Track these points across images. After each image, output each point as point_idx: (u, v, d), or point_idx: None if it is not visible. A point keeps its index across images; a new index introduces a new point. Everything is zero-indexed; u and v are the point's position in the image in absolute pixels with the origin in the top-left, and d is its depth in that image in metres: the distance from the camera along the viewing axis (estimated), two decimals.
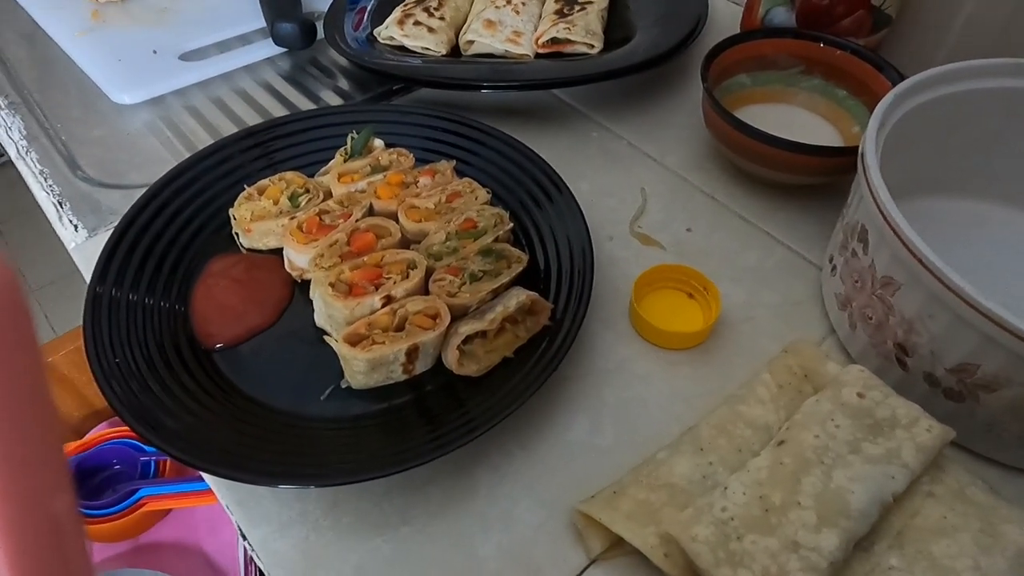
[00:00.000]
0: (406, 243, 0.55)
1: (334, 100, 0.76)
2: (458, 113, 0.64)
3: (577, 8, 0.77)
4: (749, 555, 0.38)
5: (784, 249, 0.61)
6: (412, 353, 0.48)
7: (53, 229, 0.64)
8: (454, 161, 0.61)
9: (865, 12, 0.67)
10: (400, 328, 0.49)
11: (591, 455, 0.48)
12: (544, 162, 0.60)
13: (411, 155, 0.61)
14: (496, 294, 0.52)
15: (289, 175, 0.59)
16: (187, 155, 0.62)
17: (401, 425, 0.47)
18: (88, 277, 0.53)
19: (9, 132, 0.71)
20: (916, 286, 0.43)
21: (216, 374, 0.50)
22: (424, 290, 0.52)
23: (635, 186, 0.66)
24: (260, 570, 0.44)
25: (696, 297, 0.56)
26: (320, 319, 0.53)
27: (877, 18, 0.68)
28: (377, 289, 0.50)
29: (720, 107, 0.61)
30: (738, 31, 0.72)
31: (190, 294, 0.55)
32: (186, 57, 0.79)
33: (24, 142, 0.70)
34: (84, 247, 0.61)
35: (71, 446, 0.96)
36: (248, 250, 0.58)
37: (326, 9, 0.81)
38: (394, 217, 0.56)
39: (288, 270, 0.56)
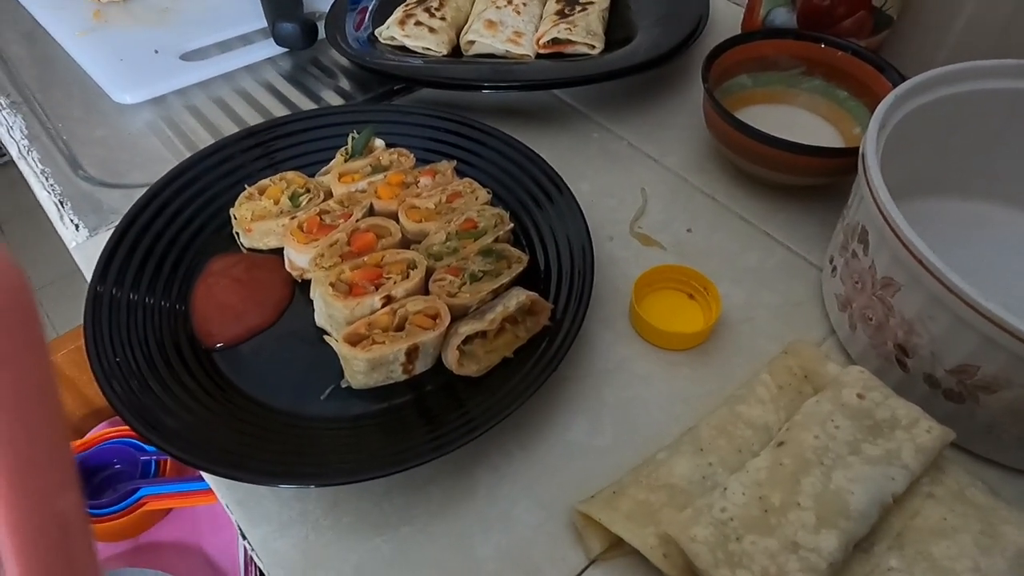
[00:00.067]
0: (406, 243, 0.55)
1: (335, 100, 0.76)
2: (459, 113, 0.64)
3: (578, 8, 0.77)
4: (748, 556, 0.38)
5: (784, 250, 0.61)
6: (412, 353, 0.48)
7: (54, 228, 0.64)
8: (455, 161, 0.61)
9: (866, 13, 0.67)
10: (400, 328, 0.49)
11: (591, 455, 0.48)
12: (545, 162, 0.60)
13: (412, 155, 0.61)
14: (496, 294, 0.52)
15: (290, 175, 0.59)
16: (188, 155, 0.62)
17: (401, 425, 0.47)
18: (89, 276, 0.53)
19: (11, 131, 0.71)
20: (916, 287, 0.43)
21: (216, 373, 0.50)
22: (424, 290, 0.52)
23: (635, 186, 0.66)
24: (260, 570, 0.44)
25: (696, 298, 0.56)
26: (320, 319, 0.53)
27: (878, 19, 0.68)
28: (377, 289, 0.50)
29: (721, 108, 0.61)
30: (739, 32, 0.73)
31: (190, 293, 0.55)
32: (187, 57, 0.79)
33: (26, 141, 0.70)
34: (85, 246, 0.61)
35: (72, 445, 0.96)
36: (248, 250, 0.58)
37: (327, 9, 0.81)
38: (394, 217, 0.56)
39: (288, 270, 0.56)
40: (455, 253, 0.53)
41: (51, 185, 0.66)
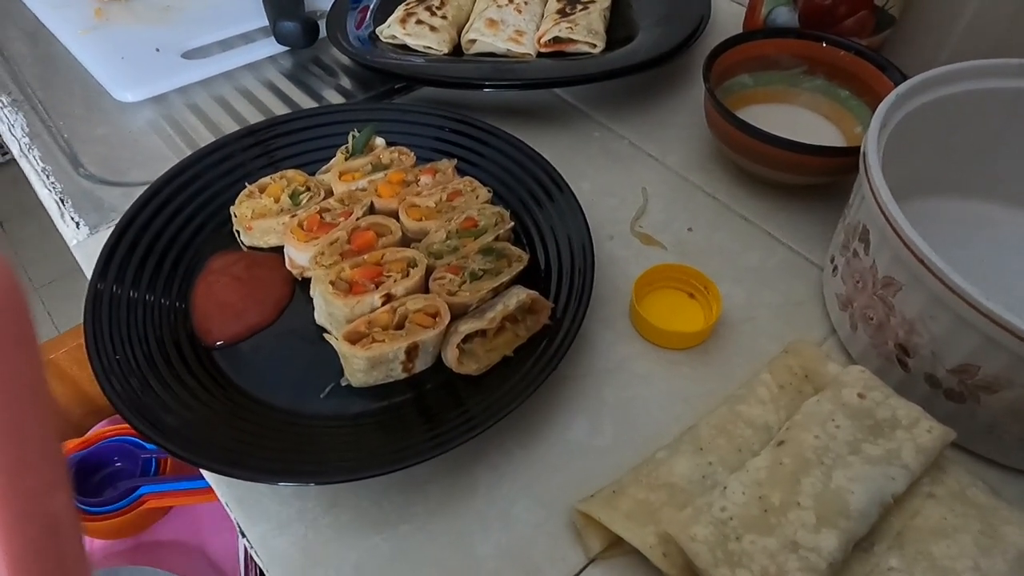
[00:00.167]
0: (407, 241, 0.55)
1: (336, 98, 0.76)
2: (460, 112, 0.64)
3: (579, 7, 0.77)
4: (748, 555, 0.38)
5: (785, 249, 0.61)
6: (412, 351, 0.48)
7: (55, 226, 0.64)
8: (455, 160, 0.61)
9: (868, 12, 0.67)
10: (400, 326, 0.49)
11: (590, 454, 0.48)
12: (545, 161, 0.60)
13: (412, 154, 0.61)
14: (496, 293, 0.52)
15: (290, 173, 0.59)
16: (189, 153, 0.62)
17: (400, 423, 0.47)
18: (89, 274, 0.53)
19: (12, 129, 0.72)
20: (917, 287, 0.43)
21: (216, 371, 0.50)
22: (424, 288, 0.52)
23: (636, 186, 0.66)
24: (260, 569, 0.44)
25: (697, 297, 0.56)
26: (320, 317, 0.53)
27: (880, 18, 0.68)
28: (377, 287, 0.50)
29: (722, 107, 0.61)
30: (740, 31, 0.72)
31: (190, 291, 0.55)
32: (189, 55, 0.79)
33: (27, 140, 0.70)
34: (85, 244, 0.61)
35: (72, 443, 0.96)
36: (249, 248, 0.58)
37: (328, 8, 0.81)
38: (395, 215, 0.56)
39: (288, 268, 0.56)
40: (455, 251, 0.53)
41: (52, 183, 0.66)
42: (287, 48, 0.80)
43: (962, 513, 0.41)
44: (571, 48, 0.75)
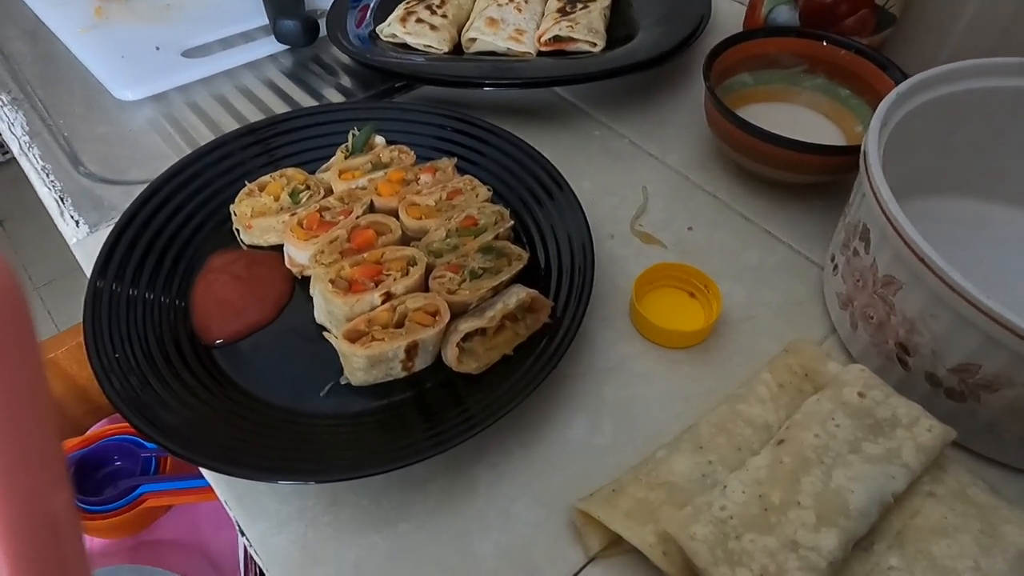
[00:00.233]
0: (406, 240, 0.55)
1: (336, 97, 0.76)
2: (460, 111, 0.64)
3: (580, 6, 0.77)
4: (748, 554, 0.37)
5: (785, 248, 0.61)
6: (412, 350, 0.48)
7: (55, 225, 0.64)
8: (455, 158, 0.61)
9: (869, 11, 0.67)
10: (400, 325, 0.49)
11: (590, 453, 0.48)
12: (545, 160, 0.60)
13: (412, 152, 0.61)
14: (496, 291, 0.51)
15: (290, 171, 0.59)
16: (189, 151, 0.62)
17: (400, 422, 0.47)
18: (89, 272, 0.53)
19: (12, 128, 0.71)
20: (918, 285, 0.43)
21: (216, 370, 0.50)
22: (424, 287, 0.52)
23: (636, 184, 0.66)
24: (260, 567, 0.44)
25: (697, 296, 0.56)
26: (320, 315, 0.53)
27: (880, 17, 0.68)
28: (377, 286, 0.50)
29: (722, 106, 0.61)
30: (741, 30, 0.72)
31: (190, 290, 0.55)
32: (189, 54, 0.79)
33: (27, 138, 0.70)
34: (85, 243, 0.61)
35: (72, 442, 0.96)
36: (248, 246, 0.58)
37: (328, 6, 0.81)
38: (395, 214, 0.56)
39: (288, 266, 0.56)
40: (455, 250, 0.53)
41: (52, 181, 0.66)
42: (287, 47, 0.80)
43: (962, 512, 0.41)
44: (571, 47, 0.75)
